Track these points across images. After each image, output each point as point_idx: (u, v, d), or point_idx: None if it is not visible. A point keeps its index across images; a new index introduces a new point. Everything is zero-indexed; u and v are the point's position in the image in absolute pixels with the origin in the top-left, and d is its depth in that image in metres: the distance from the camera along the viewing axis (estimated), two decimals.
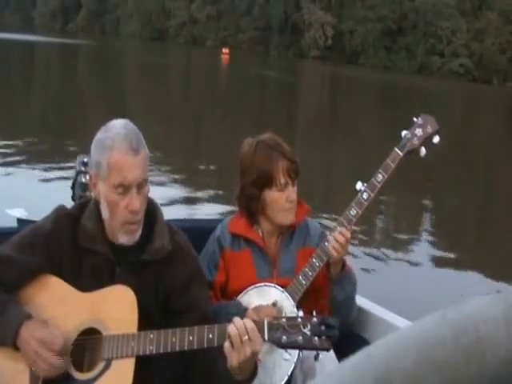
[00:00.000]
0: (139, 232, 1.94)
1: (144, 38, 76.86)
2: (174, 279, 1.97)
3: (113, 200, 1.87)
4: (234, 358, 1.74)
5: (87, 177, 1.93)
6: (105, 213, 1.92)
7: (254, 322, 1.77)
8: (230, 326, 1.74)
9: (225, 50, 53.75)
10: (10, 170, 9.09)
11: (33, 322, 1.84)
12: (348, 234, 2.27)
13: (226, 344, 1.73)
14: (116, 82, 27.11)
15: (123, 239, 1.93)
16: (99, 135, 1.90)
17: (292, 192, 2.36)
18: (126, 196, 1.86)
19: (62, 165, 9.15)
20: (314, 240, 2.43)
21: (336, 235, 2.27)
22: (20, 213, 2.58)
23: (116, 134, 1.86)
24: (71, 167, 2.87)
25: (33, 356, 1.81)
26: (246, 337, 1.72)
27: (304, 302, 2.29)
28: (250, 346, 1.72)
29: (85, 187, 2.58)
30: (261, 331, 1.73)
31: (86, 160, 2.22)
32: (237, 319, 1.76)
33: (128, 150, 1.84)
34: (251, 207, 2.39)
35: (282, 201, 2.34)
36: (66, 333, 1.87)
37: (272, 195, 2.34)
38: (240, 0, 72.50)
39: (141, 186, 1.87)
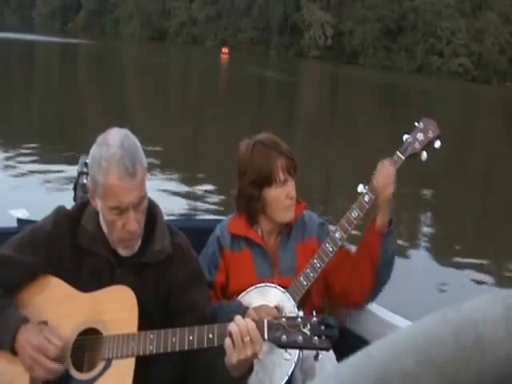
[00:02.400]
0: (138, 244, 1.94)
1: (144, 38, 76.83)
2: (174, 280, 1.97)
3: (110, 219, 1.86)
4: (234, 357, 1.74)
5: (89, 178, 1.92)
6: (103, 226, 1.92)
7: (254, 321, 1.77)
8: (232, 325, 1.74)
9: (224, 50, 53.76)
10: (11, 171, 9.09)
11: (30, 327, 1.83)
12: (392, 169, 2.31)
13: (228, 342, 1.74)
14: (116, 82, 27.10)
15: (122, 252, 1.93)
16: (95, 150, 1.84)
17: (292, 188, 2.36)
18: (122, 216, 1.84)
19: (65, 166, 9.15)
20: (313, 230, 2.44)
21: (379, 169, 2.31)
22: (22, 213, 2.58)
23: (112, 154, 1.79)
24: (74, 168, 2.86)
25: (29, 362, 1.81)
26: (248, 337, 1.72)
27: (306, 301, 2.29)
28: (251, 346, 1.72)
29: (86, 188, 2.57)
30: (261, 331, 1.74)
31: (87, 161, 2.22)
32: (239, 318, 1.76)
33: (123, 174, 1.79)
34: (251, 207, 2.39)
35: (282, 198, 2.35)
36: (66, 333, 1.88)
37: (272, 193, 2.35)
38: (240, 0, 72.47)
39: (138, 204, 1.85)
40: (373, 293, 2.43)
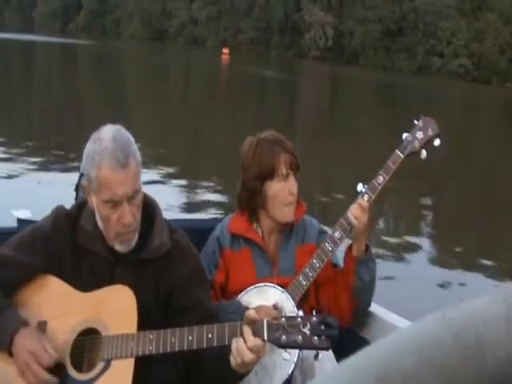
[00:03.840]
0: (135, 239, 1.94)
1: (144, 39, 76.85)
2: (175, 277, 1.97)
3: (104, 214, 1.87)
4: (241, 368, 1.77)
5: (84, 175, 1.93)
6: (99, 223, 1.93)
7: (254, 321, 1.77)
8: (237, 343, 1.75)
9: (225, 51, 53.82)
10: (15, 171, 9.10)
11: (28, 332, 1.83)
12: (365, 203, 2.29)
13: (234, 351, 1.75)
14: (116, 83, 27.12)
15: (119, 247, 1.93)
16: (89, 146, 1.88)
17: (293, 184, 2.36)
18: (117, 209, 1.85)
19: (68, 167, 9.15)
20: (312, 236, 2.44)
21: (354, 205, 2.29)
22: (25, 214, 2.57)
23: (104, 148, 1.82)
24: (77, 169, 2.86)
25: (23, 367, 1.81)
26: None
27: (306, 300, 2.29)
28: (256, 358, 1.75)
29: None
30: (260, 331, 1.74)
31: None
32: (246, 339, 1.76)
33: (116, 166, 1.81)
34: (252, 202, 2.39)
35: (284, 193, 2.34)
36: (66, 333, 1.87)
37: (274, 186, 2.34)
38: (240, 0, 72.47)
39: (132, 197, 1.86)
40: (353, 317, 2.41)
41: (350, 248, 2.37)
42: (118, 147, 1.83)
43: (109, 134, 1.86)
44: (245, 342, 1.74)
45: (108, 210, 1.85)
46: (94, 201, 1.89)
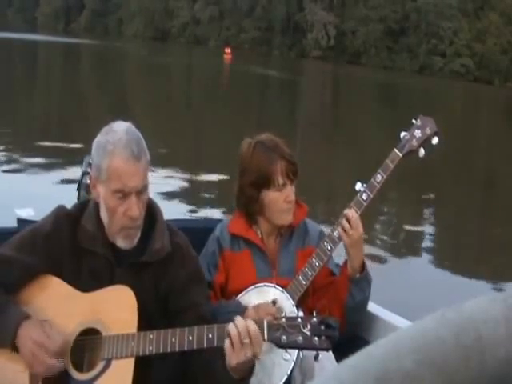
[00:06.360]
0: (138, 236, 1.94)
1: (146, 38, 76.83)
2: (174, 280, 1.97)
3: (112, 205, 1.86)
4: (233, 359, 1.73)
5: (92, 167, 1.93)
6: (104, 216, 1.92)
7: (254, 321, 1.77)
8: (231, 327, 1.73)
9: (227, 50, 53.76)
10: (17, 171, 9.11)
11: (31, 323, 1.83)
12: (353, 214, 2.23)
13: (227, 344, 1.73)
14: (119, 82, 27.14)
15: (121, 243, 1.93)
16: (100, 138, 1.88)
17: (290, 192, 2.35)
18: (125, 201, 1.85)
19: (71, 165, 9.16)
20: (313, 240, 2.43)
21: (342, 218, 2.24)
22: (28, 213, 2.58)
23: (118, 139, 1.83)
24: (79, 168, 2.86)
25: (29, 357, 1.81)
26: (247, 339, 1.71)
27: (304, 301, 2.29)
28: (250, 348, 1.71)
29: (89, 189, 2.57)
30: (261, 331, 1.73)
31: (91, 161, 2.22)
32: (239, 319, 1.75)
33: (129, 156, 1.82)
34: (250, 208, 2.39)
35: (280, 201, 2.34)
36: (66, 333, 1.87)
37: (270, 196, 2.34)
38: (242, 0, 72.46)
39: (140, 192, 1.87)
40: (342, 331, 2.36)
41: (344, 265, 2.33)
42: (132, 140, 1.85)
43: (122, 126, 1.89)
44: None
45: (116, 201, 1.85)
46: (101, 191, 1.88)
